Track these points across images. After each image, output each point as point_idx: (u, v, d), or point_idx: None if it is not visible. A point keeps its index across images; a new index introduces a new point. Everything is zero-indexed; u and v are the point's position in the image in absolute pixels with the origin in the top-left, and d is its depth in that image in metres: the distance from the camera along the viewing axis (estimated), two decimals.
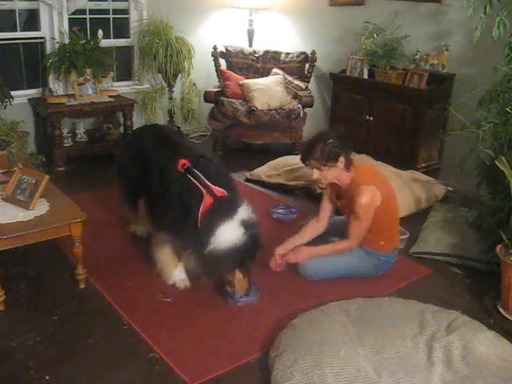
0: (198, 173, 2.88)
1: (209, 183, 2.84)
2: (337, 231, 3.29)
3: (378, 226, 3.05)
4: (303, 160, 3.01)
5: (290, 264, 3.13)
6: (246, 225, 2.72)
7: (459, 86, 4.65)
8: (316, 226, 3.25)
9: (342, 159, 2.93)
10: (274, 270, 3.12)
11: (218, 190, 2.83)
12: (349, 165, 2.99)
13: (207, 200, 2.78)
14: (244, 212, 2.76)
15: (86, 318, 2.76)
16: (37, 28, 5.06)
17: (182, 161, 2.95)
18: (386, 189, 3.08)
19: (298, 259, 3.10)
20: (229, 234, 2.67)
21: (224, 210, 2.73)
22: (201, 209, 2.76)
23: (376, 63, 4.98)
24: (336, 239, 3.31)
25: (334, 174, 2.98)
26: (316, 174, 2.99)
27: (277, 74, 5.69)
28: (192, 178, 2.87)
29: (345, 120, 5.36)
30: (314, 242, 3.37)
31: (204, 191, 2.81)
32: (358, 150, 4.90)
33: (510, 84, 3.16)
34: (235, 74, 5.73)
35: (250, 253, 2.78)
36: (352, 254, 3.10)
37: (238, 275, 2.79)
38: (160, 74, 5.57)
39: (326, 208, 3.24)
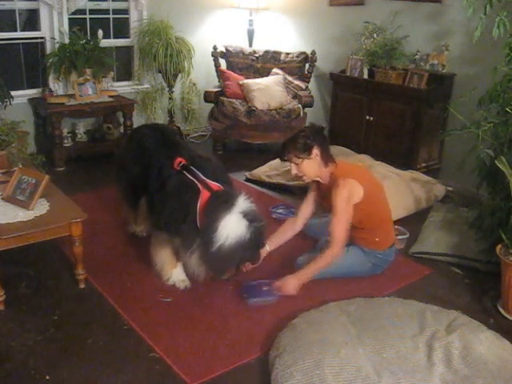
0: (195, 169, 2.88)
1: (205, 178, 2.84)
2: None
3: (370, 222, 3.04)
4: (280, 156, 3.02)
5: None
6: (248, 216, 2.69)
7: (459, 86, 4.65)
8: (293, 226, 3.22)
9: (315, 151, 2.92)
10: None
11: (215, 185, 2.83)
12: (326, 160, 2.98)
13: (204, 195, 2.77)
14: (243, 203, 2.73)
15: (86, 317, 2.76)
16: (37, 28, 5.06)
17: (179, 159, 2.95)
18: (370, 184, 3.05)
19: (288, 292, 2.86)
20: (232, 227, 2.64)
21: (222, 202, 2.71)
22: (198, 204, 2.75)
23: (376, 63, 4.98)
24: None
25: (311, 168, 2.96)
26: (294, 168, 2.99)
27: (277, 73, 5.69)
28: (188, 175, 2.87)
29: (345, 120, 5.37)
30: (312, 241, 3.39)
31: (200, 186, 2.80)
32: (358, 150, 4.94)
33: (510, 84, 3.16)
34: (235, 74, 5.73)
35: (256, 246, 2.77)
36: (349, 253, 3.08)
37: None
38: (160, 74, 5.58)
39: (306, 209, 3.21)
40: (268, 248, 3.11)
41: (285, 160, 3.00)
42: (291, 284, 2.86)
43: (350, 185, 2.92)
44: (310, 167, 2.96)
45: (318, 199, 3.19)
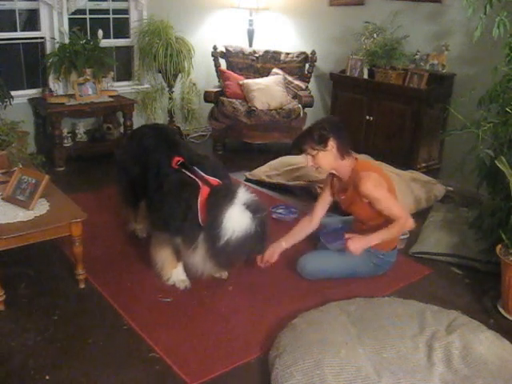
0: (193, 167, 2.89)
1: (204, 174, 2.84)
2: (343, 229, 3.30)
3: (376, 221, 3.04)
4: (296, 146, 3.00)
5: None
6: (251, 207, 2.69)
7: (459, 86, 4.65)
8: (308, 225, 3.22)
9: (331, 143, 2.90)
10: (260, 265, 3.08)
11: (214, 180, 2.84)
12: (343, 153, 2.95)
13: (204, 191, 2.77)
14: (244, 194, 2.73)
15: (86, 317, 2.76)
16: (37, 28, 5.06)
17: (177, 158, 2.96)
18: (387, 182, 3.05)
19: (353, 250, 2.88)
20: (236, 220, 2.64)
21: (223, 196, 2.71)
22: (199, 200, 2.75)
23: (376, 63, 4.98)
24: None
25: (327, 160, 2.95)
26: (309, 160, 2.97)
27: (277, 73, 5.69)
28: (187, 172, 2.87)
29: (345, 120, 5.34)
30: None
31: (200, 183, 2.80)
32: (358, 150, 4.91)
33: (510, 84, 3.16)
34: (235, 74, 5.74)
35: (262, 237, 2.77)
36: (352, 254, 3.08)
37: None
38: (160, 74, 5.58)
39: (321, 208, 3.21)
40: (284, 245, 3.12)
41: (301, 152, 2.99)
42: (358, 244, 2.88)
43: (373, 177, 2.91)
44: (326, 159, 2.95)
45: (334, 194, 3.18)
